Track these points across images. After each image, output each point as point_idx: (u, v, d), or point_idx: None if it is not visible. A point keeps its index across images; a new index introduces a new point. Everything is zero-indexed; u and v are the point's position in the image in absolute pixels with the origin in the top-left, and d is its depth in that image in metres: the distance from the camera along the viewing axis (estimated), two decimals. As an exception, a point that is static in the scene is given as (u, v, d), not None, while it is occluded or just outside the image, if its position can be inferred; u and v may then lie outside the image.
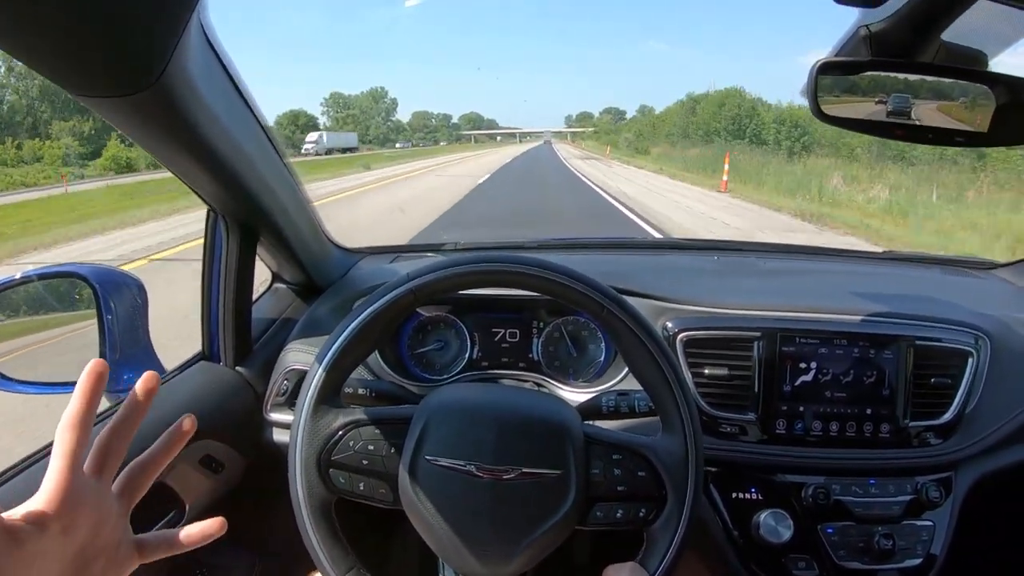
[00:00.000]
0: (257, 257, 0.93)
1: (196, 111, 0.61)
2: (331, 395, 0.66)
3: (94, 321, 0.84)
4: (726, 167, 14.82)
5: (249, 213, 0.85)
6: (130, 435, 0.44)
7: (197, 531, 0.47)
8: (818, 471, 0.91)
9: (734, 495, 0.92)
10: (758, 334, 0.92)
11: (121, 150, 28.62)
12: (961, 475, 0.94)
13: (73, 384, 0.84)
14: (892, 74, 0.66)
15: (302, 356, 0.95)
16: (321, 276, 1.08)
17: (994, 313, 1.01)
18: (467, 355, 1.04)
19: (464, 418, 0.65)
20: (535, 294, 0.66)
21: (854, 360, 0.91)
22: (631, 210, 10.11)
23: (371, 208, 10.83)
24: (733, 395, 0.92)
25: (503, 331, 1.05)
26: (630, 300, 0.66)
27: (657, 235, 7.26)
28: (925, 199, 10.72)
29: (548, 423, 0.65)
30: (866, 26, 0.63)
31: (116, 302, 0.85)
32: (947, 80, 0.66)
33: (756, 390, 0.91)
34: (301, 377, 0.92)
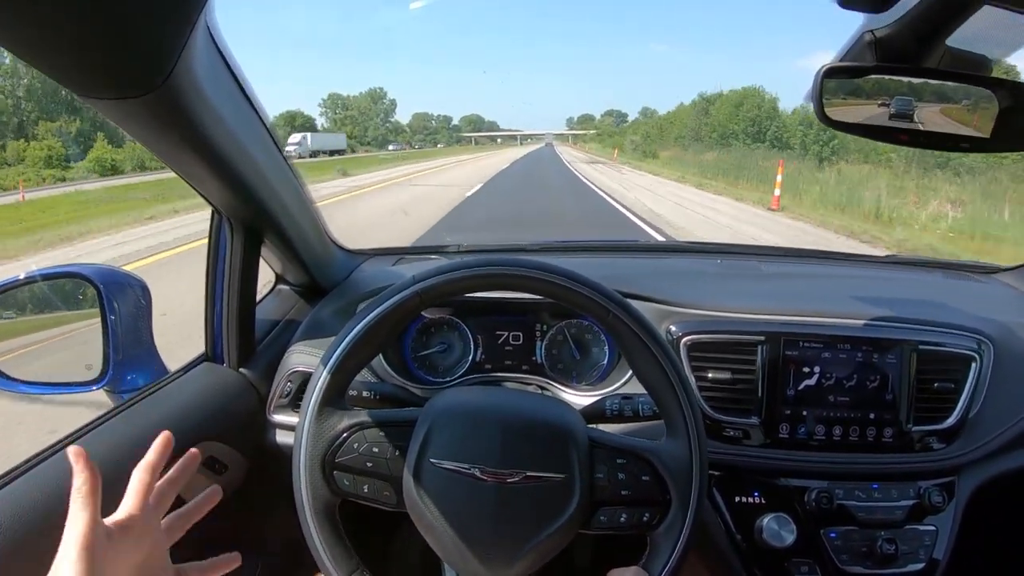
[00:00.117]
0: (261, 259, 0.93)
1: (202, 113, 0.62)
2: (336, 397, 0.66)
3: (97, 321, 0.84)
4: (778, 178, 11.65)
5: (253, 215, 0.85)
6: (179, 486, 0.62)
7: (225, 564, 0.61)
8: (821, 475, 0.91)
9: (737, 499, 0.91)
10: (762, 338, 0.92)
11: (107, 151, 27.72)
12: (964, 480, 0.93)
13: (74, 384, 0.86)
14: (896, 78, 0.67)
15: (305, 358, 0.95)
16: (325, 278, 1.08)
17: (997, 317, 1.01)
18: (470, 358, 1.04)
19: (468, 421, 0.65)
20: (539, 297, 0.66)
21: (857, 364, 0.91)
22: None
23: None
24: (737, 399, 0.92)
25: (506, 334, 1.05)
26: (634, 303, 0.66)
27: (661, 239, 7.21)
28: (994, 217, 9.12)
29: (552, 427, 0.64)
30: (871, 31, 0.63)
31: (120, 303, 0.86)
32: (951, 84, 0.67)
33: (760, 394, 0.91)
34: (304, 379, 0.92)
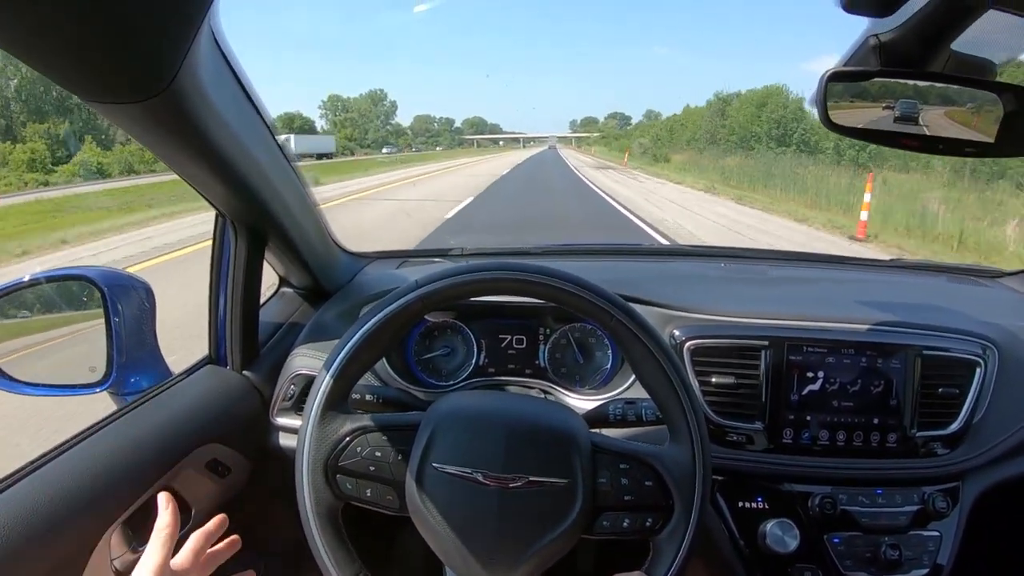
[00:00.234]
0: (265, 262, 0.94)
1: (206, 116, 0.62)
2: (339, 401, 0.66)
3: (101, 324, 0.84)
4: (867, 198, 8.44)
5: (257, 218, 0.85)
6: (218, 562, 0.70)
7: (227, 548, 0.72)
8: (825, 481, 0.91)
9: (740, 504, 0.91)
10: (766, 343, 0.91)
11: (94, 154, 26.81)
12: (968, 485, 0.93)
13: (78, 386, 0.87)
14: (901, 82, 0.67)
15: (309, 361, 0.95)
16: (328, 281, 1.08)
17: (1002, 322, 1.00)
18: (473, 361, 1.04)
19: (471, 426, 0.64)
20: (542, 301, 0.66)
21: (861, 369, 0.91)
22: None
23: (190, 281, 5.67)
24: (740, 404, 0.92)
25: (510, 337, 1.05)
26: (637, 308, 0.66)
27: (664, 242, 7.06)
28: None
29: (555, 431, 0.64)
30: (876, 35, 0.63)
31: (124, 305, 0.86)
32: (955, 87, 0.67)
33: (763, 399, 0.91)
34: (307, 382, 0.92)
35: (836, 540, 0.89)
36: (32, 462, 0.64)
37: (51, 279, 0.88)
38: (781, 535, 0.87)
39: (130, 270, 0.91)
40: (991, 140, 0.66)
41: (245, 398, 0.93)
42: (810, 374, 0.91)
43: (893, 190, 11.06)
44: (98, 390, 0.84)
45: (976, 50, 0.64)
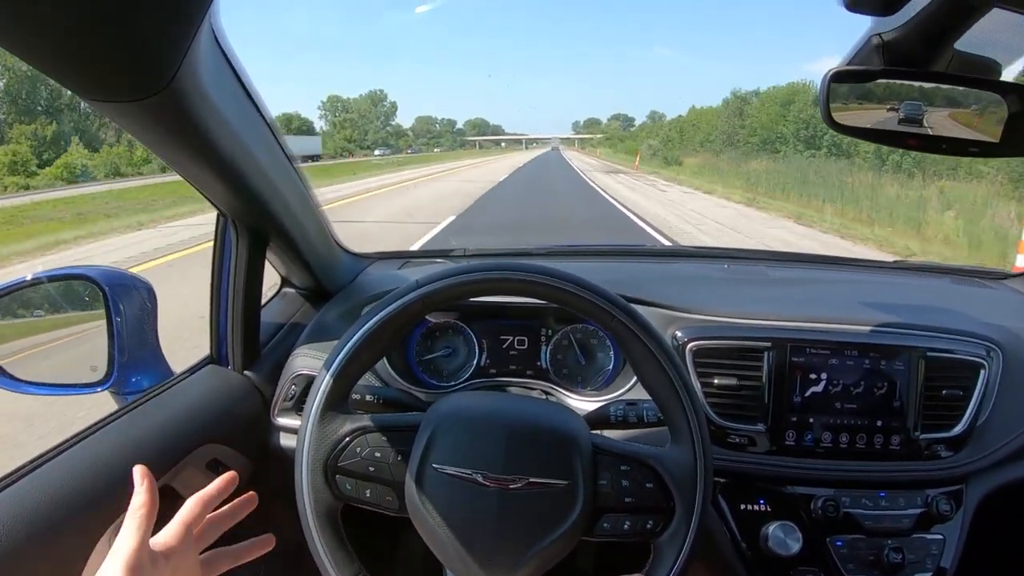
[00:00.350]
0: (266, 262, 0.94)
1: (207, 115, 0.62)
2: (339, 401, 0.66)
3: (102, 323, 0.85)
4: None
5: (259, 218, 0.85)
6: (229, 524, 0.62)
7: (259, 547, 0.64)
8: (828, 483, 0.90)
9: (742, 507, 0.91)
10: (768, 344, 0.91)
11: (79, 156, 26.08)
12: (972, 488, 0.92)
13: (79, 385, 0.85)
14: (905, 82, 0.66)
15: (310, 361, 0.95)
16: (330, 281, 1.08)
17: (1006, 324, 1.00)
18: (475, 362, 1.04)
19: (471, 426, 0.64)
20: (544, 302, 0.66)
21: (865, 371, 0.90)
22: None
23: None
24: (742, 406, 0.91)
25: (511, 338, 1.05)
26: (639, 309, 0.65)
27: (666, 242, 6.92)
28: None
29: (556, 433, 0.64)
30: (879, 35, 0.63)
31: (125, 304, 0.86)
32: (960, 88, 0.66)
33: (766, 401, 0.90)
34: (308, 382, 0.92)
35: (839, 543, 0.88)
36: (33, 461, 0.64)
37: (53, 278, 0.88)
38: (783, 538, 0.87)
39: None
40: (996, 140, 0.66)
41: (246, 398, 0.93)
42: (813, 376, 0.90)
43: (954, 203, 9.82)
44: (99, 389, 0.84)
45: (980, 49, 0.63)
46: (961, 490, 0.92)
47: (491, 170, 25.97)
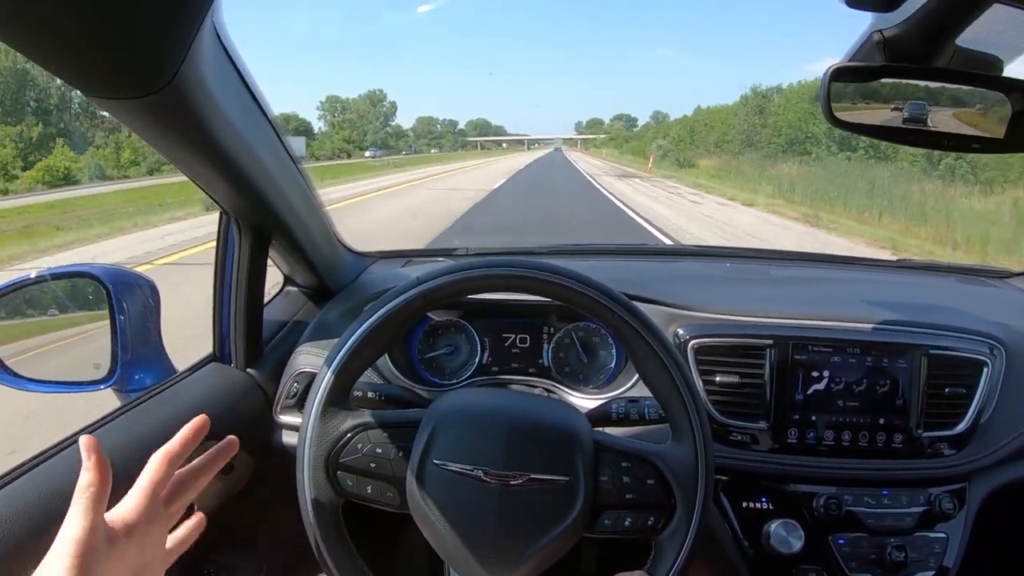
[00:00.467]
0: (269, 260, 0.94)
1: (209, 113, 0.62)
2: (340, 397, 0.66)
3: (106, 321, 0.85)
4: None
5: (261, 216, 0.85)
6: (205, 481, 0.54)
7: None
8: (830, 481, 0.90)
9: (744, 504, 0.91)
10: (770, 342, 0.91)
11: (62, 159, 24.92)
12: (975, 486, 0.92)
13: (83, 383, 0.84)
14: (907, 80, 0.66)
15: (312, 359, 0.95)
16: (333, 279, 1.09)
17: (1009, 322, 0.99)
18: (477, 360, 1.04)
19: (473, 423, 0.64)
20: (546, 299, 0.66)
21: (867, 369, 0.90)
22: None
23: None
24: (744, 403, 0.91)
25: (513, 336, 1.05)
26: (641, 306, 0.65)
27: (669, 242, 7.04)
28: None
29: (557, 429, 0.64)
30: (880, 31, 0.63)
31: (128, 302, 0.86)
32: (965, 88, 0.66)
33: (768, 398, 0.90)
34: (310, 380, 0.92)
35: (841, 541, 0.88)
36: (34, 457, 0.65)
37: (56, 276, 0.88)
38: (785, 536, 0.87)
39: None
40: (1000, 137, 0.66)
41: (249, 396, 0.93)
42: (815, 373, 0.90)
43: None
44: (103, 387, 0.85)
45: (981, 45, 0.63)
46: (964, 488, 0.92)
47: (487, 174, 23.34)
